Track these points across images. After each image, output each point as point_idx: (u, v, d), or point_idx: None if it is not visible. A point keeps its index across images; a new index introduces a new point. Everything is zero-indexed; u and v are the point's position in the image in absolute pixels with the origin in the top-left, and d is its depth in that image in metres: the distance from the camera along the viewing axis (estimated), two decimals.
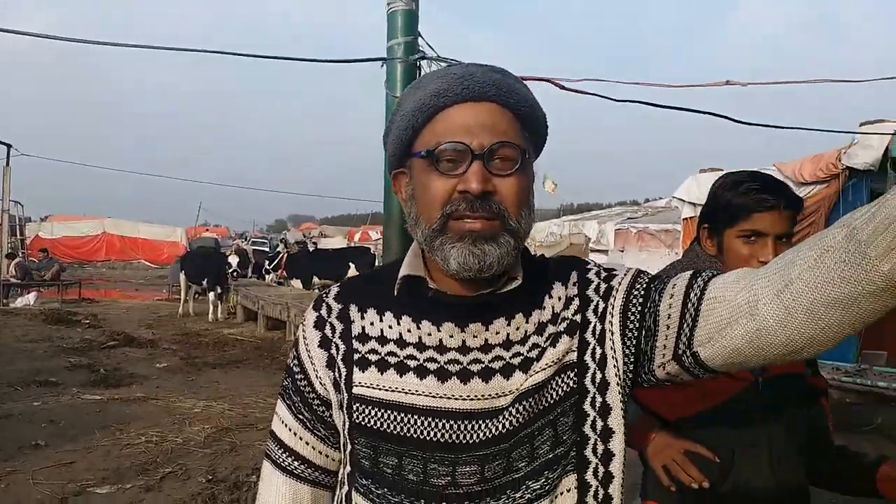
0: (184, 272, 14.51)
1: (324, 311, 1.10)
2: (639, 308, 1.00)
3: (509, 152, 0.97)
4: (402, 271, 1.05)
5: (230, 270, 15.27)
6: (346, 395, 1.03)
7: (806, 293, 0.80)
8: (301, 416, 1.11)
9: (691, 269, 1.54)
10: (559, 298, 1.04)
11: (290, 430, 1.12)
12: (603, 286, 1.04)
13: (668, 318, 0.96)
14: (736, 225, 1.57)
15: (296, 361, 1.11)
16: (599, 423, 0.99)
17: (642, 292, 1.01)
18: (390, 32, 2.86)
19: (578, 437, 0.98)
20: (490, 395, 0.98)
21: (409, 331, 1.03)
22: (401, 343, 1.02)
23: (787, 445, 1.57)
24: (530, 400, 0.97)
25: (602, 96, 3.17)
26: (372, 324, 1.06)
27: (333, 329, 1.08)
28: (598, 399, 0.99)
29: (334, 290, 1.14)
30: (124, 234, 32.12)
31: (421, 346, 1.01)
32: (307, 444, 1.11)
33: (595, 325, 1.01)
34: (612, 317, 1.01)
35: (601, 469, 0.99)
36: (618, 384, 1.00)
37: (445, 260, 0.97)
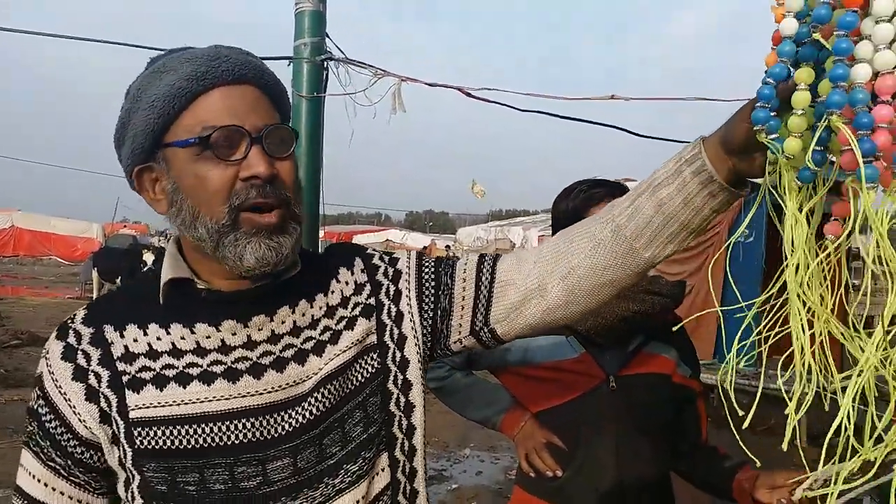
0: (96, 269, 14.00)
1: (72, 339, 0.97)
2: (432, 290, 1.08)
3: (284, 134, 0.95)
4: (165, 276, 0.98)
5: (144, 269, 14.81)
6: (121, 423, 0.93)
7: (586, 278, 0.99)
8: (53, 464, 0.97)
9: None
10: (347, 283, 1.06)
11: (40, 481, 0.97)
12: (391, 270, 1.09)
13: (463, 299, 1.07)
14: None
15: (41, 402, 0.97)
16: (402, 400, 1.04)
17: (432, 275, 1.09)
18: (297, 32, 2.87)
19: (386, 415, 1.02)
20: (288, 383, 0.96)
21: (182, 338, 0.95)
22: (176, 353, 0.95)
23: (636, 441, 1.65)
24: (334, 383, 0.98)
25: (507, 105, 3.27)
26: (135, 340, 0.96)
27: (88, 357, 0.95)
28: (400, 376, 1.04)
29: (81, 313, 1.01)
30: (35, 228, 30.58)
31: (201, 351, 0.95)
32: (62, 494, 0.98)
33: (390, 307, 1.06)
34: (409, 299, 1.07)
35: (406, 444, 1.04)
36: (418, 361, 1.06)
37: (239, 257, 0.91)
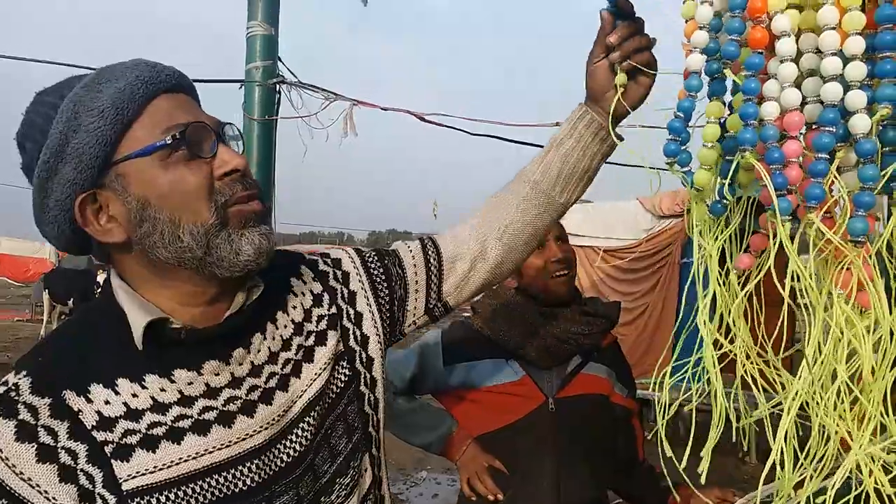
0: (47, 291, 13.60)
1: (26, 416, 0.80)
2: (384, 282, 1.11)
3: (235, 132, 0.93)
4: (138, 319, 0.85)
5: (98, 291, 14.44)
6: (110, 498, 0.80)
7: (519, 232, 1.14)
8: None
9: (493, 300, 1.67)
10: (303, 294, 1.02)
11: None
12: (339, 273, 1.09)
13: (416, 283, 1.14)
14: None
15: None
16: (372, 398, 1.06)
17: (380, 268, 1.12)
18: (249, 56, 2.87)
19: (363, 417, 1.03)
20: (280, 414, 0.92)
21: (162, 390, 0.85)
22: (160, 408, 0.84)
23: (576, 462, 1.66)
24: (320, 403, 0.96)
25: (458, 129, 3.30)
26: (108, 402, 0.83)
27: (53, 432, 0.80)
28: (368, 376, 1.06)
29: (24, 382, 0.83)
30: None
31: (187, 401, 0.85)
32: None
33: (348, 311, 1.06)
34: (367, 298, 1.08)
35: (380, 440, 1.08)
36: (380, 356, 1.08)
37: (236, 252, 0.85)
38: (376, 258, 1.13)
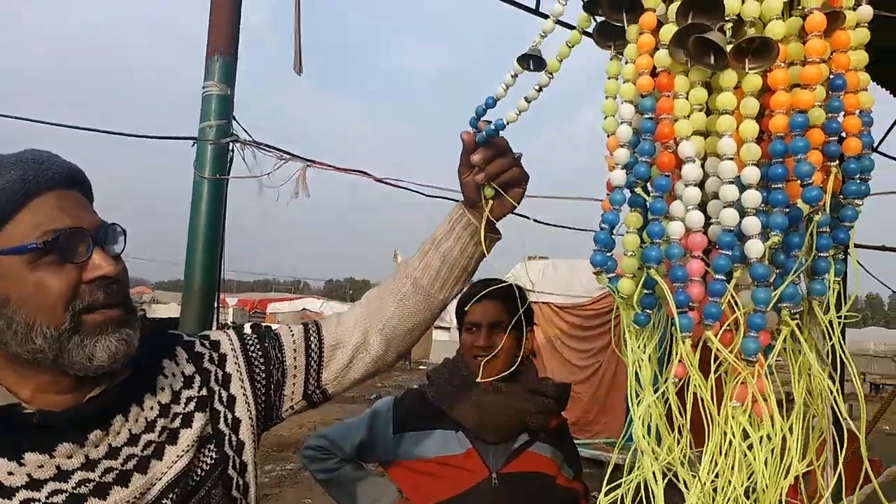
0: None
1: None
2: (262, 366, 1.12)
3: (117, 233, 0.94)
4: None
5: None
6: None
7: (399, 326, 1.17)
8: None
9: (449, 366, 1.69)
10: (174, 375, 1.03)
11: None
12: (215, 355, 1.10)
13: (295, 368, 1.14)
14: (464, 320, 1.82)
15: None
16: (241, 482, 1.06)
17: (259, 351, 1.13)
18: (203, 114, 2.89)
19: (230, 502, 1.03)
20: (135, 496, 0.91)
21: (10, 473, 0.85)
22: (6, 492, 0.84)
23: None
24: (180, 485, 0.95)
25: (412, 190, 3.35)
26: None
27: None
28: (238, 460, 1.05)
29: None
30: None
31: (35, 484, 0.85)
32: None
33: (220, 393, 1.07)
34: (241, 381, 1.09)
35: None
36: (252, 441, 1.08)
37: (89, 357, 0.87)
38: (256, 341, 1.14)
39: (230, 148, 2.94)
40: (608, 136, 0.90)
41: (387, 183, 3.33)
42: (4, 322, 0.86)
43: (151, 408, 0.97)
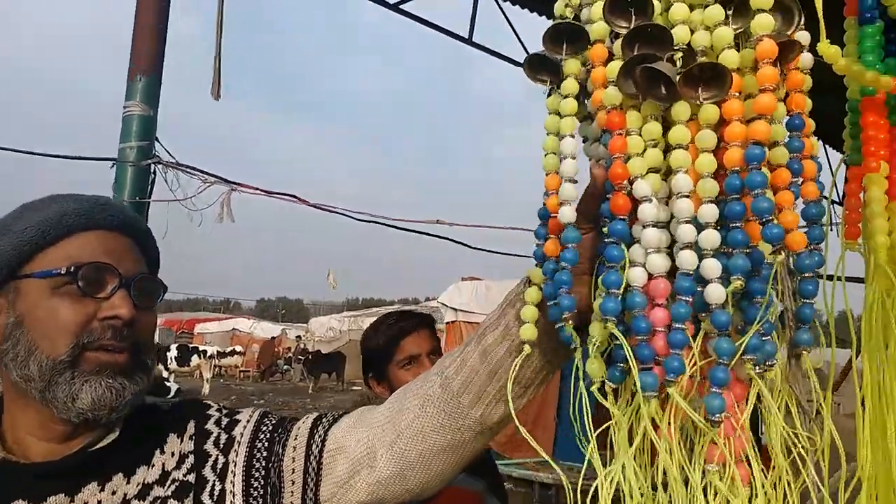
0: None
1: None
2: (263, 464, 0.95)
3: (153, 286, 0.94)
4: None
5: None
6: None
7: (415, 444, 0.87)
8: None
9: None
10: (172, 454, 0.94)
11: None
12: (224, 437, 0.97)
13: (293, 472, 0.93)
14: (393, 359, 1.71)
15: None
16: None
17: (266, 444, 0.96)
18: (124, 135, 2.75)
19: None
20: None
21: None
22: None
23: None
24: None
25: (344, 213, 3.28)
26: None
27: None
28: None
29: None
30: None
31: None
32: None
33: (214, 484, 0.93)
34: (235, 475, 0.93)
35: None
36: None
37: (73, 397, 0.83)
38: (272, 427, 0.99)
39: (151, 170, 2.80)
40: (546, 175, 0.83)
41: (318, 207, 3.24)
42: (11, 343, 0.86)
43: (138, 484, 0.90)
